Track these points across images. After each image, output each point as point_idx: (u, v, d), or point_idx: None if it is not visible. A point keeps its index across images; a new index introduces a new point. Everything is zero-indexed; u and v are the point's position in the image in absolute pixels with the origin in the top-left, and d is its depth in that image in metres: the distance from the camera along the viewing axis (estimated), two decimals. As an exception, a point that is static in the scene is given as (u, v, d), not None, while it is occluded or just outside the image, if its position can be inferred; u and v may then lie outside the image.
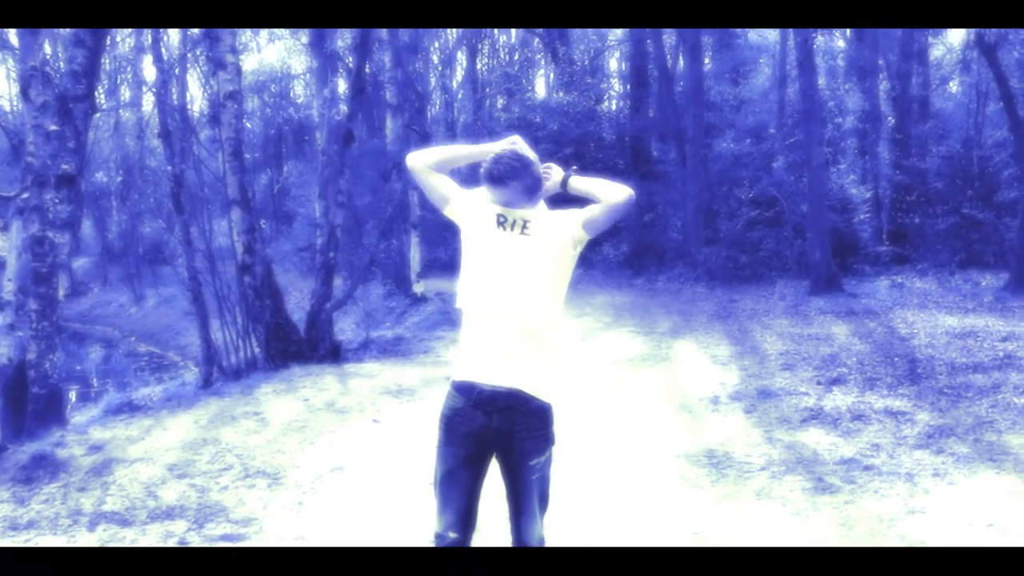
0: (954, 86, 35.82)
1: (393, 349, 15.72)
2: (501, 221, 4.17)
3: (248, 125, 36.64)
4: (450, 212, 4.36)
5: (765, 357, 13.20)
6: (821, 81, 27.52)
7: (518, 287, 4.11)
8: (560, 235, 4.18)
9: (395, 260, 24.39)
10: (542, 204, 4.27)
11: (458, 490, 4.15)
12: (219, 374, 14.38)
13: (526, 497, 4.18)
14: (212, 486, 7.70)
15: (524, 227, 4.16)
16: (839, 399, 10.24)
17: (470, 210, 4.27)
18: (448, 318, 18.97)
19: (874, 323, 15.57)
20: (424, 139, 25.22)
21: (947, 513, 6.49)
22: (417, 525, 6.33)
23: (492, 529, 5.17)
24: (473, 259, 4.23)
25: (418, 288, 23.07)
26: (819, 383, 11.17)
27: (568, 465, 7.55)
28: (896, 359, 12.34)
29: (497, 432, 4.10)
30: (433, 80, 36.19)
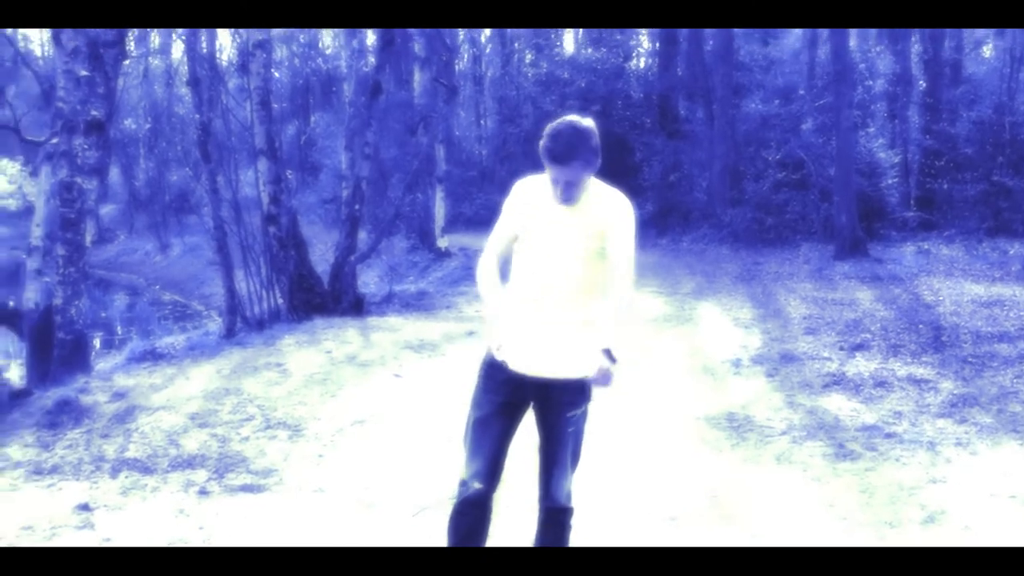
0: (987, 50, 35.40)
1: (416, 303, 15.75)
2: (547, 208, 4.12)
3: (276, 75, 36.53)
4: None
5: (788, 321, 13.16)
6: (852, 43, 27.22)
7: (558, 270, 4.09)
8: (599, 222, 4.11)
9: (420, 214, 24.40)
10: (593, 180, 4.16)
11: (489, 438, 4.17)
12: (242, 324, 14.43)
13: (560, 449, 4.22)
14: (233, 436, 7.74)
15: (569, 213, 4.10)
16: (862, 365, 10.20)
17: (520, 213, 4.21)
18: (471, 274, 18.96)
19: (899, 289, 15.49)
20: (452, 92, 25.13)
21: (969, 483, 6.47)
22: (436, 481, 6.35)
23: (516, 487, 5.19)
24: (524, 245, 4.20)
25: (442, 243, 23.08)
26: (842, 348, 11.12)
27: (589, 423, 7.56)
28: (921, 326, 12.27)
29: (537, 382, 4.14)
30: (462, 34, 35.90)
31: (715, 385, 9.66)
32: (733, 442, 7.62)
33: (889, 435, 7.68)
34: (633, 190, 28.03)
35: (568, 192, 4.02)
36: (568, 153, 3.93)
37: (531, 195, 4.20)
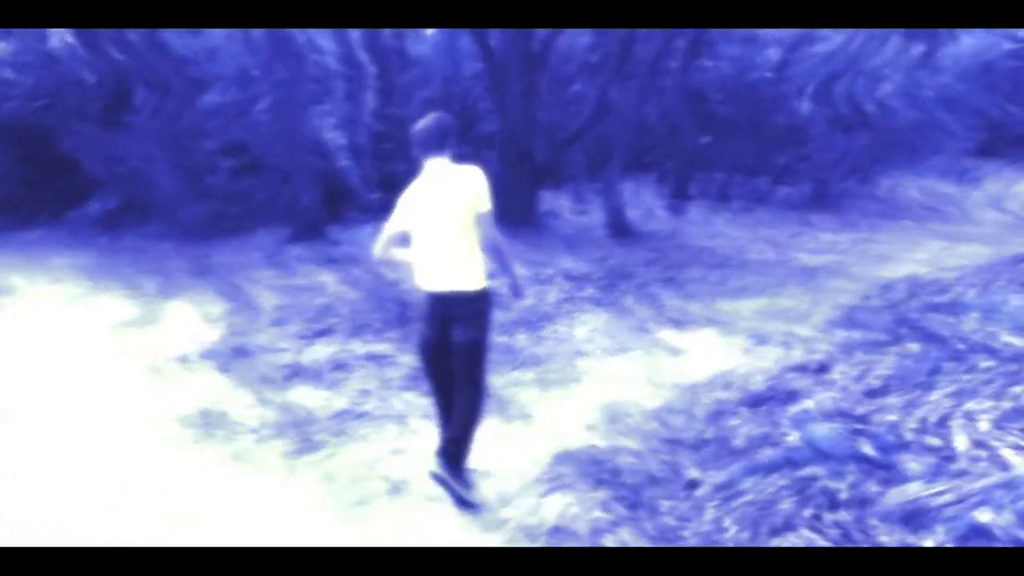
0: (430, 31, 36.92)
1: None
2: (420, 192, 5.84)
3: None
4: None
5: (259, 312, 12.80)
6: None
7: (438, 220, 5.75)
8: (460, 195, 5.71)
9: None
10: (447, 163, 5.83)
11: None
12: None
13: None
14: None
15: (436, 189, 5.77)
16: (320, 351, 10.17)
17: (405, 207, 6.07)
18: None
19: (359, 270, 15.61)
20: None
21: (430, 451, 6.51)
22: None
23: None
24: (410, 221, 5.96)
25: None
26: (303, 336, 10.99)
27: (44, 448, 7.08)
28: (387, 304, 12.40)
29: None
30: None
31: (168, 386, 9.25)
32: (196, 442, 7.35)
33: (360, 416, 7.75)
34: (72, 186, 26.62)
35: None
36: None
37: None
